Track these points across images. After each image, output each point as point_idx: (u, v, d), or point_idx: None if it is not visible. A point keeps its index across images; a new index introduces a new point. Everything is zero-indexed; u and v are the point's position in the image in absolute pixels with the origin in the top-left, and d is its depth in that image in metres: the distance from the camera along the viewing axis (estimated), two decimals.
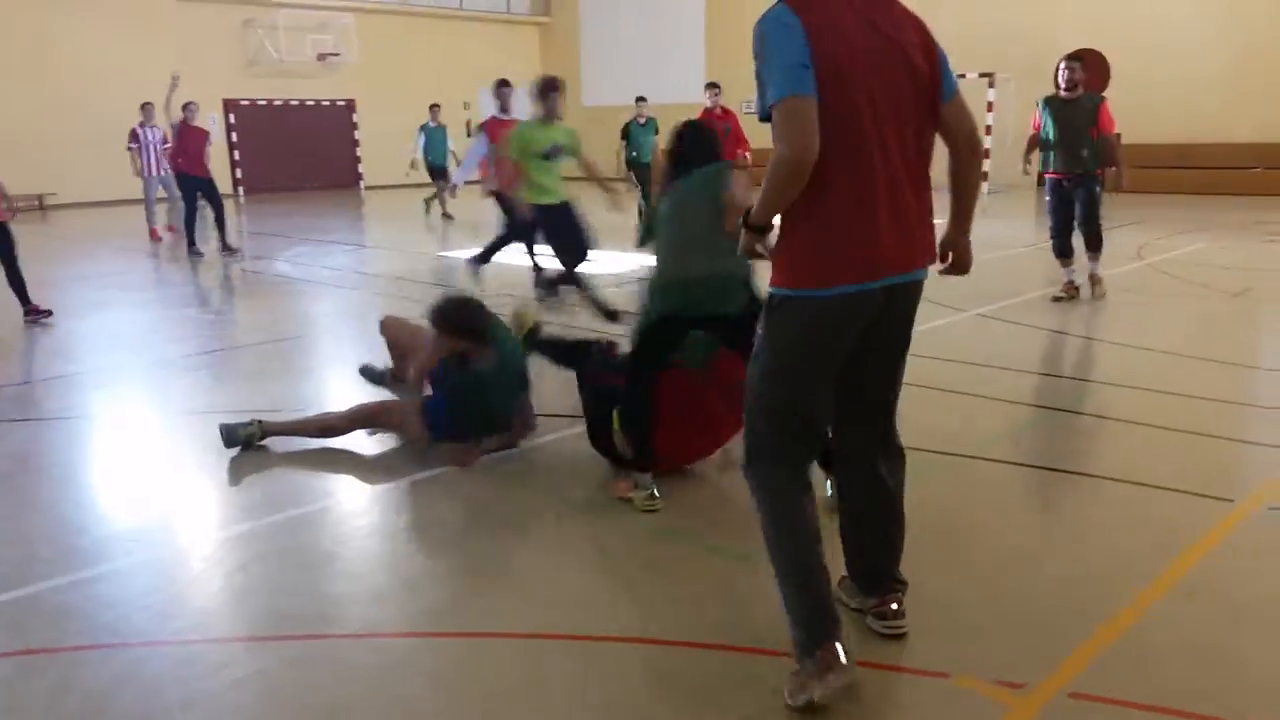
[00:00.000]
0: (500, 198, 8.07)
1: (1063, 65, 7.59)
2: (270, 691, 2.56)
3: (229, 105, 21.63)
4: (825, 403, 2.54)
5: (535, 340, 4.81)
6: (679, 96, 22.85)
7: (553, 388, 5.03)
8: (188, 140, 11.70)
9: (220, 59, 21.16)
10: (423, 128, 16.52)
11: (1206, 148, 18.19)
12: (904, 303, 2.49)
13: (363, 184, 23.71)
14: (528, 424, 4.49)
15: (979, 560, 3.24)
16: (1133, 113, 19.20)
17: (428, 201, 16.85)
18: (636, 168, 13.10)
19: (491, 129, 8.35)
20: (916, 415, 4.80)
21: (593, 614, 2.92)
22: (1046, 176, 7.76)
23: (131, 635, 2.84)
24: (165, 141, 12.86)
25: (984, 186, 16.28)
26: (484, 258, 8.39)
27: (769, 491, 2.51)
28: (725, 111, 11.81)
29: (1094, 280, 7.82)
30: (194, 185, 11.72)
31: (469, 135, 24.31)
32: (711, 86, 11.82)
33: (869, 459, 2.68)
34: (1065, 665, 2.56)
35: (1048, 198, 7.78)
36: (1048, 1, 19.38)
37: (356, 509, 3.90)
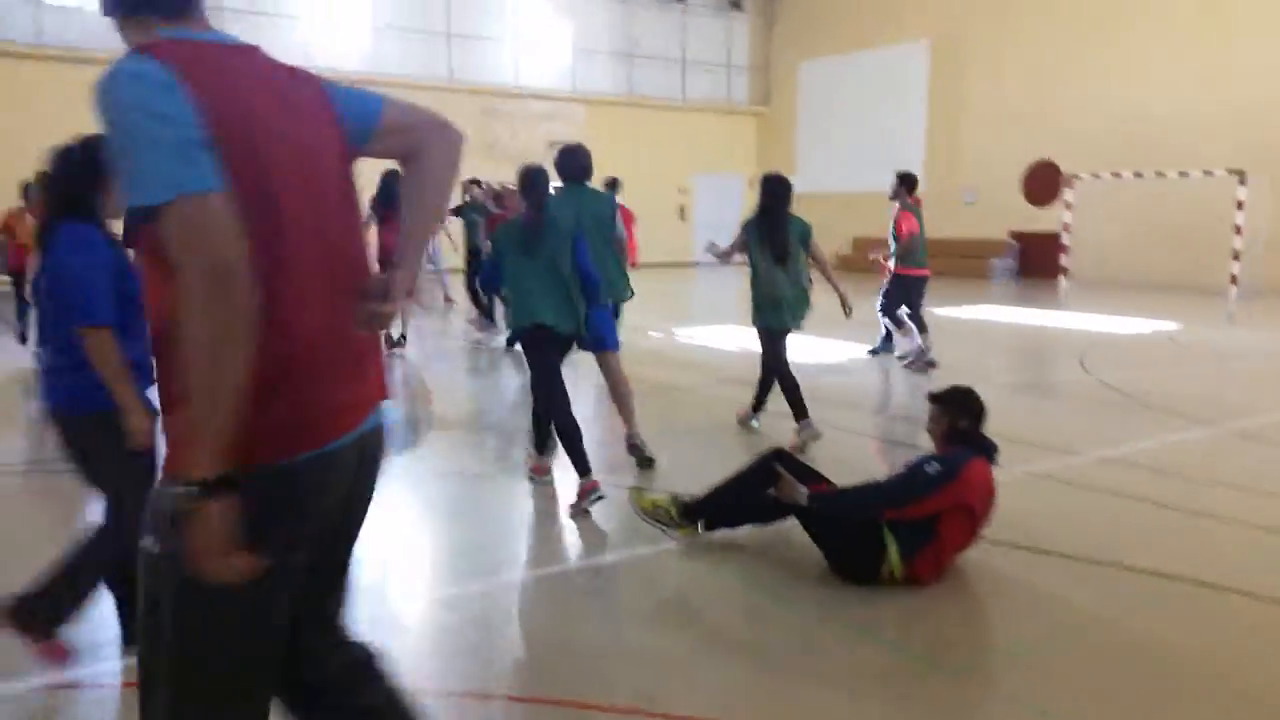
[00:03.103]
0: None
1: None
2: None
3: (466, 187, 23.31)
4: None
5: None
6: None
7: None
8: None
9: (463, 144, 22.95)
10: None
11: None
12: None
13: None
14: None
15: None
16: None
17: None
18: None
19: None
20: (1157, 540, 4.41)
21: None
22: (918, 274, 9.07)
23: None
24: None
25: (1232, 291, 15.02)
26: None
27: None
28: None
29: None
30: None
31: (681, 219, 25.13)
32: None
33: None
34: None
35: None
36: None
37: (581, 579, 4.00)
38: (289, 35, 20.89)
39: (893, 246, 9.07)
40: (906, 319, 9.16)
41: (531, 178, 4.93)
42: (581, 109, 24.17)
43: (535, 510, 4.94)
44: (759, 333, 6.28)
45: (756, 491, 4.00)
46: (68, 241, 2.86)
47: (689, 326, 12.09)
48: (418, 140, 1.81)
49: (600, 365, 5.60)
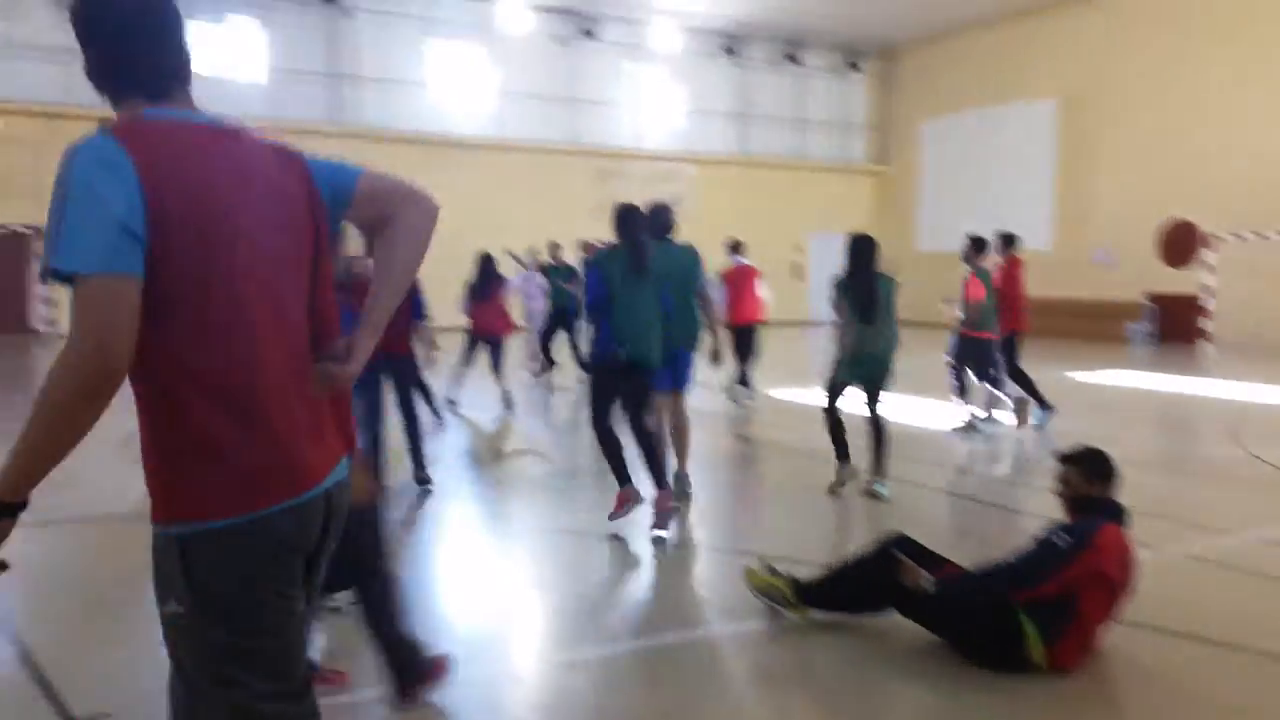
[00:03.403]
0: None
1: None
2: None
3: (586, 248, 23.75)
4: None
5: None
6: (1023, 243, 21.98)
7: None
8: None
9: (578, 205, 23.44)
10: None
11: None
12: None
13: None
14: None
15: None
16: None
17: None
18: None
19: None
20: None
21: None
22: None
23: None
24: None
25: None
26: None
27: None
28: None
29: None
30: None
31: (798, 278, 24.99)
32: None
33: None
34: None
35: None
36: None
37: (708, 650, 3.92)
38: (420, 101, 21.92)
39: (961, 311, 8.80)
40: (982, 383, 8.95)
41: (625, 215, 5.32)
42: (695, 169, 24.45)
43: (649, 573, 4.90)
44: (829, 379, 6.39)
45: (876, 578, 3.84)
46: None
47: (811, 386, 11.90)
48: (389, 208, 1.87)
49: (668, 402, 5.96)
